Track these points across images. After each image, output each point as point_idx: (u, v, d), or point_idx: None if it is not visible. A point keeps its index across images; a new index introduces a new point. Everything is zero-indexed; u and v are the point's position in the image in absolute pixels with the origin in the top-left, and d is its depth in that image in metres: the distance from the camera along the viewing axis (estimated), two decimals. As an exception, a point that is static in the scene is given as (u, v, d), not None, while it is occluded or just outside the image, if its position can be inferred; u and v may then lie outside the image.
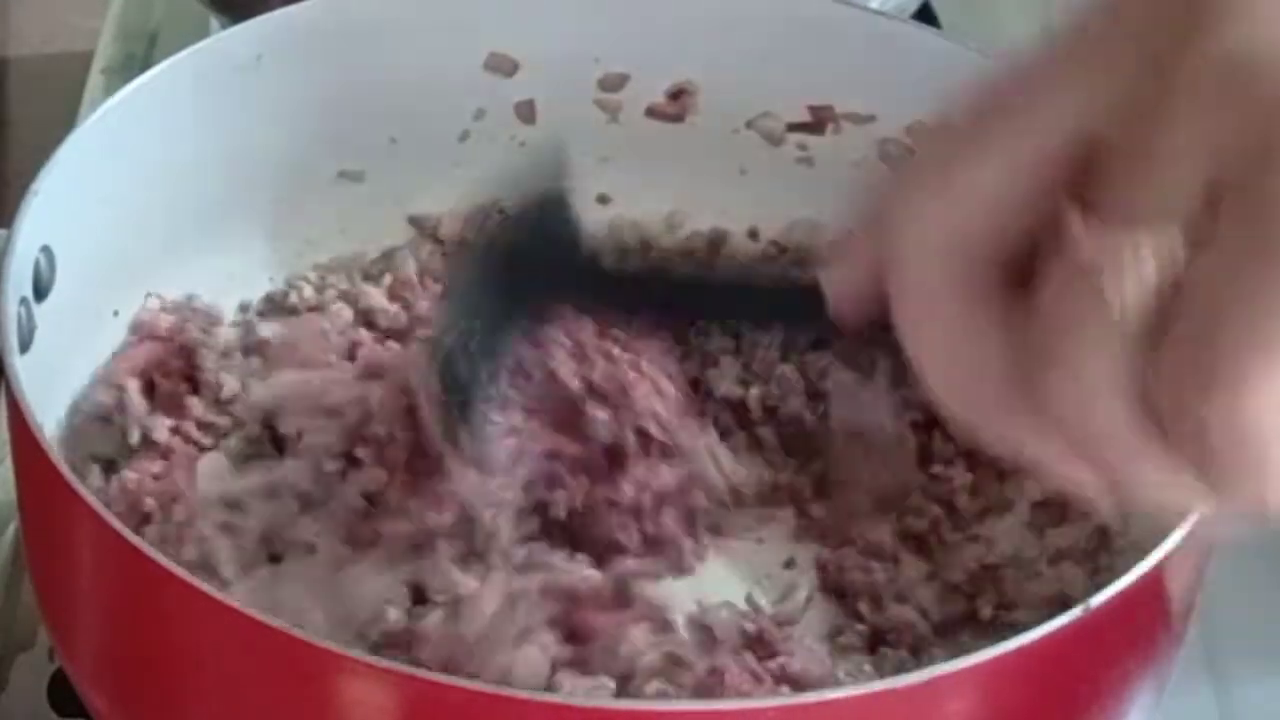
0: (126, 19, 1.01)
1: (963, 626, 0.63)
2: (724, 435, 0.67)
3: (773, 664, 0.59)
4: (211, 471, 0.65)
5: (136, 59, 0.98)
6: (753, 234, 0.76)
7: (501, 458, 0.60)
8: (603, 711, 0.51)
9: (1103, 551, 0.65)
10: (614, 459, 0.62)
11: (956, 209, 0.41)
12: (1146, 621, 0.55)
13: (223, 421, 0.67)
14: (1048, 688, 0.52)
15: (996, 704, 0.51)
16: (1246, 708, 0.70)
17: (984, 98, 0.42)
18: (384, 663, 0.49)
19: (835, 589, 0.65)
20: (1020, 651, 0.50)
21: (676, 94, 0.75)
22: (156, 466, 0.64)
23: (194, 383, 0.68)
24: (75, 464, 0.61)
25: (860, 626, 0.63)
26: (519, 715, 0.48)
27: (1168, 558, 0.53)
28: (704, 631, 0.60)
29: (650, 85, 0.75)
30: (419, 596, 0.59)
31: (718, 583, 0.64)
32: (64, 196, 0.62)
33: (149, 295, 0.69)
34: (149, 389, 0.67)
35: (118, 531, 0.52)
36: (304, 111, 0.72)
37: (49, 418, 0.60)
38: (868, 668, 0.61)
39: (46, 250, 0.61)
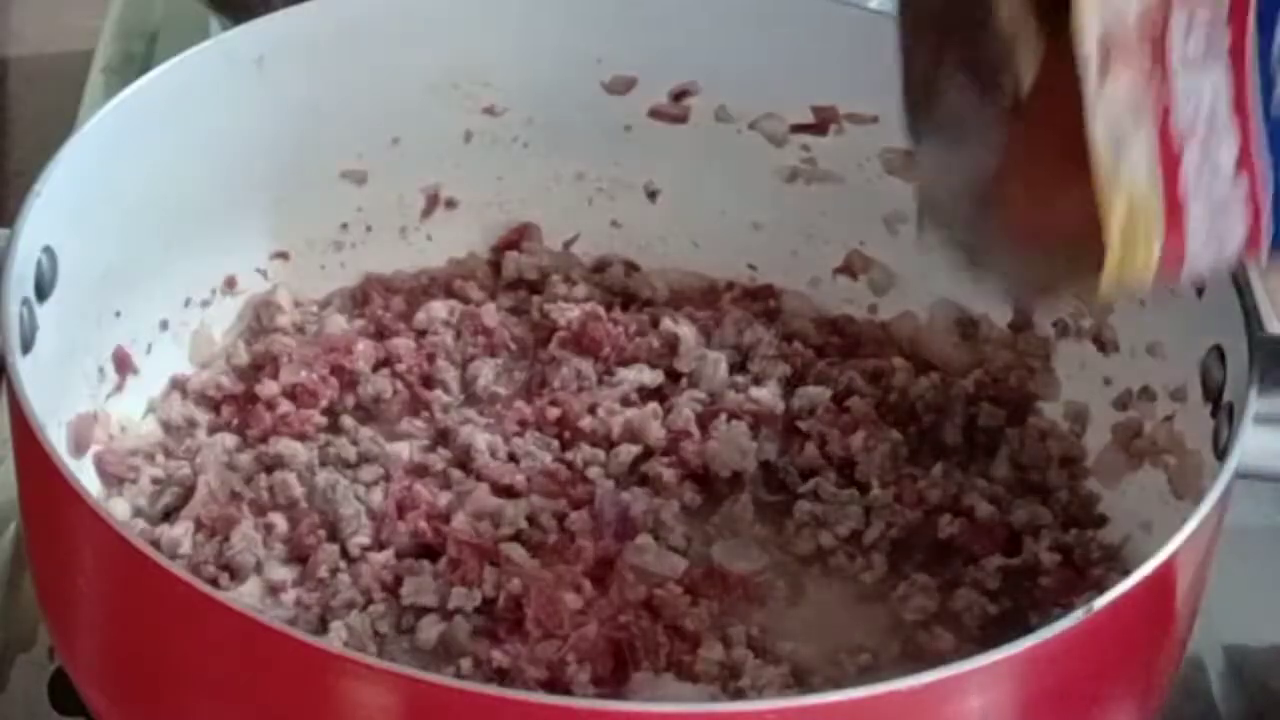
0: (126, 19, 1.01)
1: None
2: None
3: None
4: None
5: (136, 59, 0.98)
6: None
7: None
8: (603, 712, 0.50)
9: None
10: None
11: None
12: (1148, 624, 0.55)
13: None
14: (1049, 689, 0.52)
15: (998, 706, 0.51)
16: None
17: None
18: (383, 664, 0.49)
19: None
20: (1022, 654, 0.50)
21: (680, 95, 0.75)
22: None
23: None
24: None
25: None
26: (519, 716, 0.48)
27: (1170, 561, 0.53)
28: None
29: (654, 86, 0.75)
30: None
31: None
32: (66, 197, 0.62)
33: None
34: None
35: (118, 532, 0.52)
36: (305, 112, 0.72)
37: (50, 418, 0.60)
38: None
39: (48, 251, 0.61)
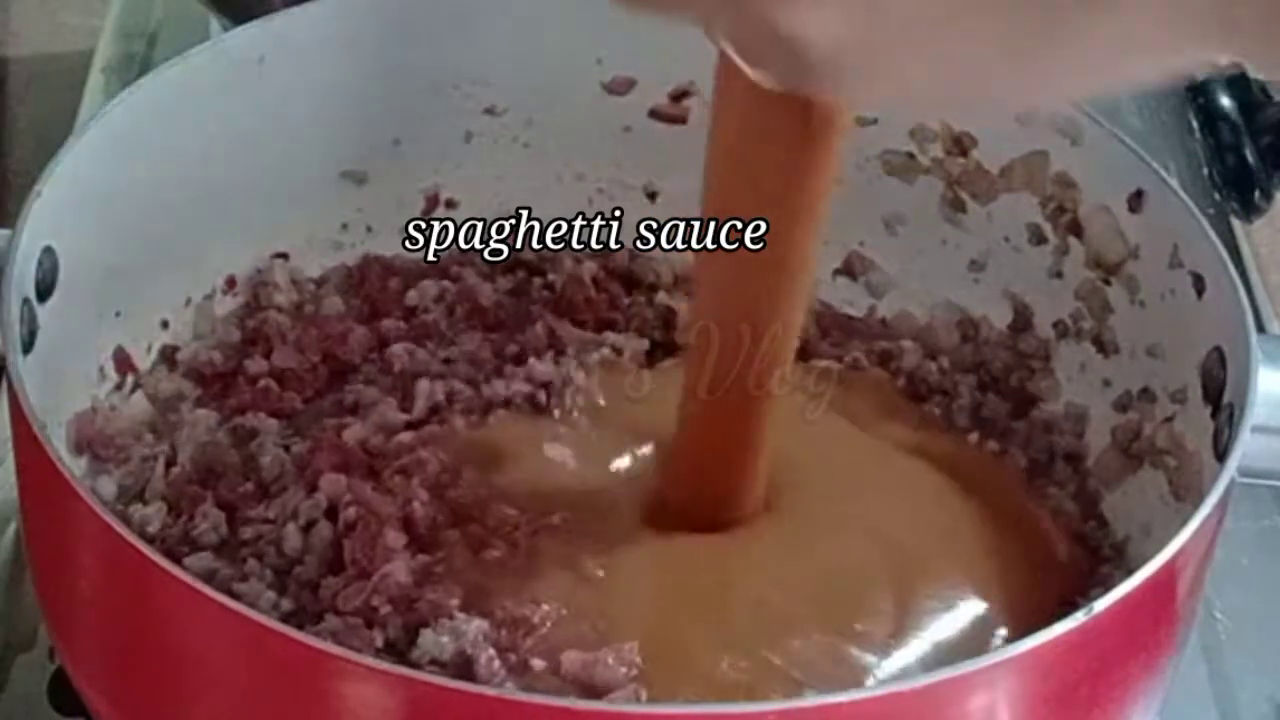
0: (126, 19, 1.01)
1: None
2: None
3: None
4: None
5: (136, 59, 0.98)
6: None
7: None
8: (603, 713, 0.50)
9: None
10: None
11: None
12: (1149, 626, 0.55)
13: None
14: (1050, 690, 0.52)
15: (998, 707, 0.51)
16: (1247, 707, 0.70)
17: None
18: (384, 665, 0.49)
19: None
20: (1023, 655, 0.50)
21: (680, 95, 0.75)
22: None
23: None
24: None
25: None
26: (518, 716, 0.48)
27: (1171, 563, 0.53)
28: None
29: (654, 86, 0.75)
30: None
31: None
32: (66, 198, 0.62)
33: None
34: None
35: (118, 532, 0.52)
36: (306, 113, 0.72)
37: (50, 418, 0.60)
38: None
39: (49, 251, 0.61)
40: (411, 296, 0.73)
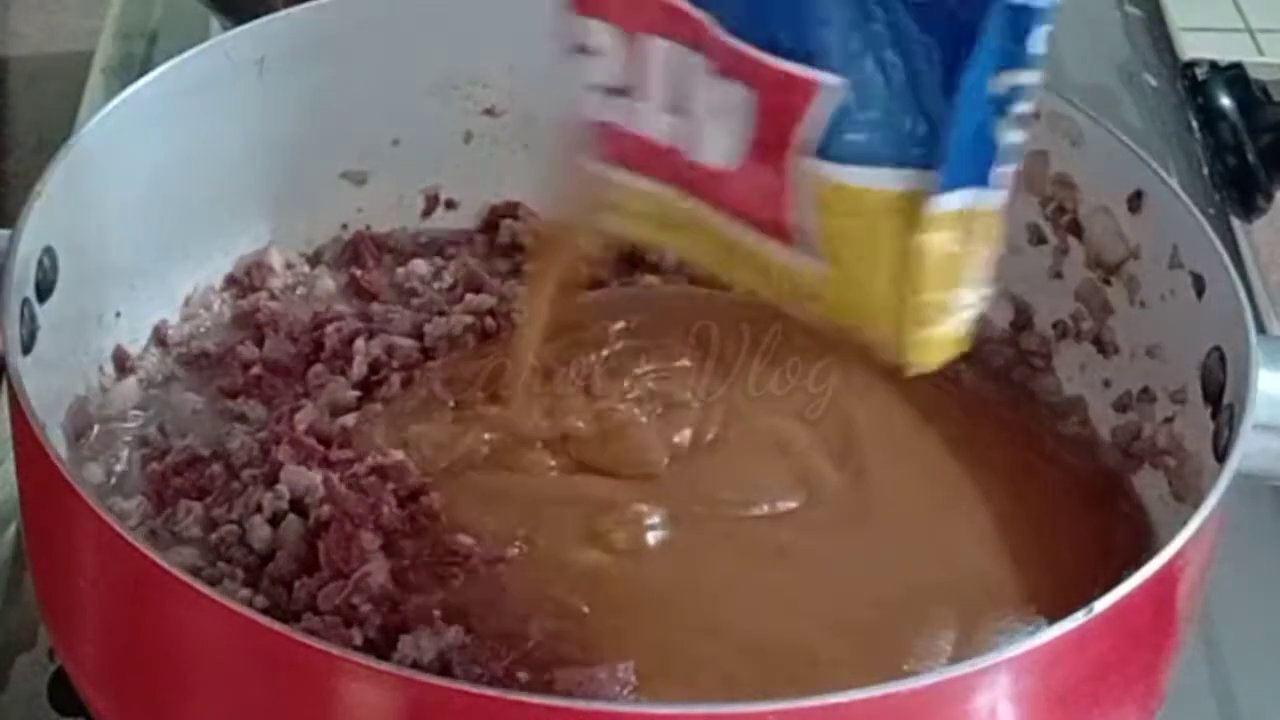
0: (126, 19, 1.01)
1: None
2: None
3: None
4: None
5: (136, 59, 0.98)
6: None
7: None
8: (604, 713, 0.51)
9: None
10: None
11: None
12: (1149, 626, 0.55)
13: None
14: (1050, 690, 0.52)
15: (998, 707, 0.51)
16: (1246, 707, 0.70)
17: None
18: (383, 665, 0.49)
19: None
20: (1023, 655, 0.50)
21: (679, 96, 0.75)
22: None
23: None
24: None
25: None
26: (519, 716, 0.48)
27: (1171, 563, 0.53)
28: None
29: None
30: None
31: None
32: (66, 198, 0.62)
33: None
34: None
35: (118, 532, 0.52)
36: (306, 113, 0.72)
37: (50, 418, 0.60)
38: None
39: (49, 251, 0.61)
40: (400, 274, 0.73)
